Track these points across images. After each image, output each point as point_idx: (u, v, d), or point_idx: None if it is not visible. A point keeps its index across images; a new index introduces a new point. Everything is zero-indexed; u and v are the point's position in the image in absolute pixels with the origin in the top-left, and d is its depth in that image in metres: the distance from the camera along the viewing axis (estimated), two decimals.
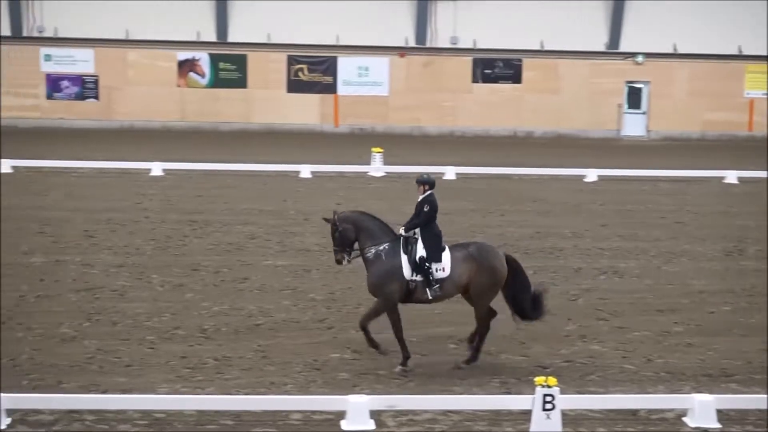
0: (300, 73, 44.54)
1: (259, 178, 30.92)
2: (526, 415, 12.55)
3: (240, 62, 44.29)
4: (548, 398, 12.36)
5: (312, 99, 44.62)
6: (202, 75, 44.20)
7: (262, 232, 23.56)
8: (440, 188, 15.58)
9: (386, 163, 32.68)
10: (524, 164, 34.42)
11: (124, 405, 12.78)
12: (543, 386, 12.38)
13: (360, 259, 14.62)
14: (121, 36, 43.24)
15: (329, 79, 44.61)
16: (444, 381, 14.22)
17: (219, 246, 22.13)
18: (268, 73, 44.45)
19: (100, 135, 41.25)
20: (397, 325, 14.49)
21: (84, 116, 43.45)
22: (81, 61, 43.42)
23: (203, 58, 44.18)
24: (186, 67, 44.05)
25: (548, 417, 12.37)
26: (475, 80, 45.50)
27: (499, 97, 45.54)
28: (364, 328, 14.61)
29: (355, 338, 16.01)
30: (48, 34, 43.26)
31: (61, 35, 43.20)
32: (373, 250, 14.45)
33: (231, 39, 44.24)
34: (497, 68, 45.59)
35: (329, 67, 44.53)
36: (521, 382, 14.14)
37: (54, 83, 43.40)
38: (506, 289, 14.63)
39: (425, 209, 14.39)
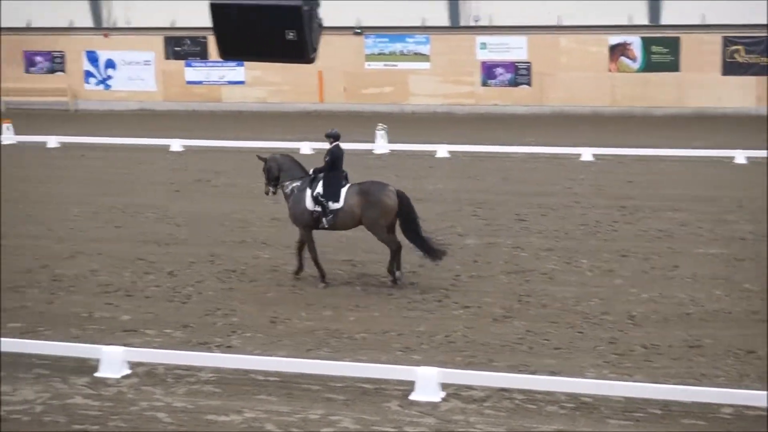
0: (736, 55, 42.80)
1: (692, 164, 30.16)
2: None
3: (672, 45, 43.27)
4: None
5: (748, 81, 42.71)
6: (634, 59, 43.71)
7: (693, 219, 22.99)
8: None
9: None
10: None
11: (553, 387, 13.02)
12: None
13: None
14: (553, 22, 43.72)
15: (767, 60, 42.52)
16: None
17: (648, 232, 21.88)
18: (701, 55, 43.08)
19: (532, 120, 42.02)
20: (312, 249, 17.82)
21: (516, 102, 44.39)
22: (515, 48, 44.37)
23: (635, 41, 43.65)
24: (617, 51, 43.73)
25: None
26: None
27: None
28: (315, 261, 17.81)
29: None
30: (483, 23, 44.67)
31: (495, 24, 44.45)
32: (289, 186, 17.98)
33: (663, 21, 43.34)
34: None
35: None
36: None
37: (489, 70, 44.71)
38: (400, 223, 17.50)
39: (327, 158, 17.55)
